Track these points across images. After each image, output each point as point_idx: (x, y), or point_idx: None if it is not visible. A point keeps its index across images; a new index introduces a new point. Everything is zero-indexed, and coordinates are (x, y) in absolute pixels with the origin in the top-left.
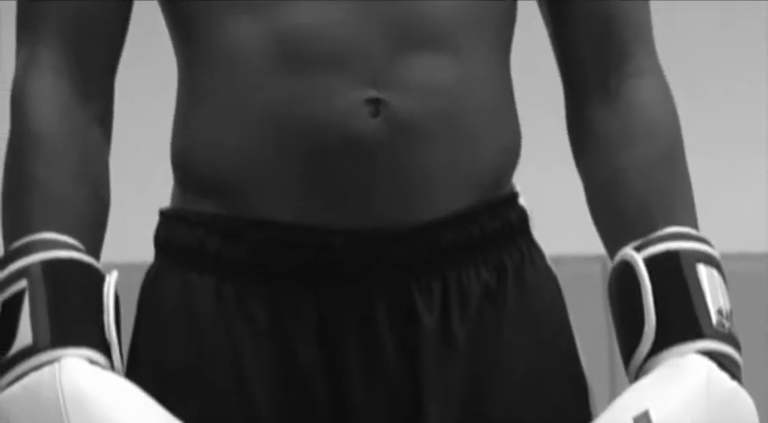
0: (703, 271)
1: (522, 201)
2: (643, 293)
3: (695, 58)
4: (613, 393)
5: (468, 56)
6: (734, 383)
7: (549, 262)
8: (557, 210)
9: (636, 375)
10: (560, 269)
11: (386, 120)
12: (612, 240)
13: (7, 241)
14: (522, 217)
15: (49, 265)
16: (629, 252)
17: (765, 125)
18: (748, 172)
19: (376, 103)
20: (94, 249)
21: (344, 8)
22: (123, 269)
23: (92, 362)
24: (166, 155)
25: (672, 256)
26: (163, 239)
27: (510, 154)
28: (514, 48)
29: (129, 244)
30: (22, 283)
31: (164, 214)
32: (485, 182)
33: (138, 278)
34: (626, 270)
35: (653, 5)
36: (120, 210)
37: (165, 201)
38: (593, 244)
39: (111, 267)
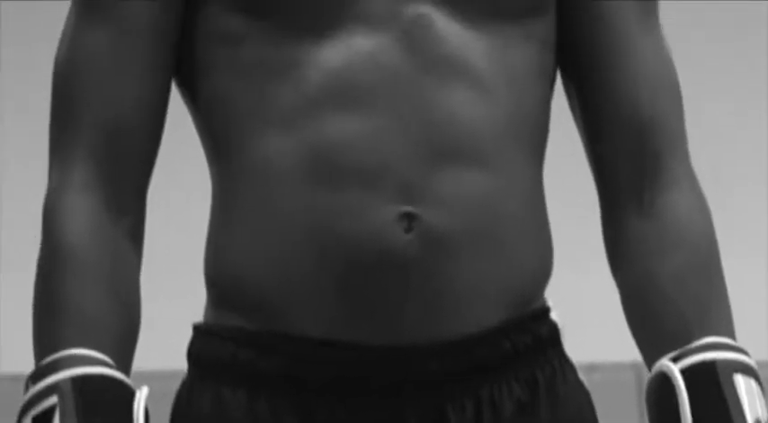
0: (741, 381)
1: (553, 315)
2: (680, 405)
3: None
4: None
5: (502, 169)
6: None
7: (581, 373)
8: (592, 317)
9: None
10: (594, 376)
11: (419, 235)
12: (649, 349)
13: (38, 356)
14: (554, 331)
15: (79, 382)
16: (665, 363)
17: (765, 230)
18: (747, 278)
19: (409, 217)
20: (125, 364)
21: (375, 122)
22: (154, 377)
23: None
24: (200, 267)
25: (709, 366)
26: (196, 354)
27: (542, 269)
28: (552, 156)
29: (160, 353)
30: (53, 399)
31: (197, 329)
32: (517, 297)
33: (170, 386)
34: (663, 381)
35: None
36: (153, 319)
37: (199, 310)
38: (627, 351)
39: (142, 376)
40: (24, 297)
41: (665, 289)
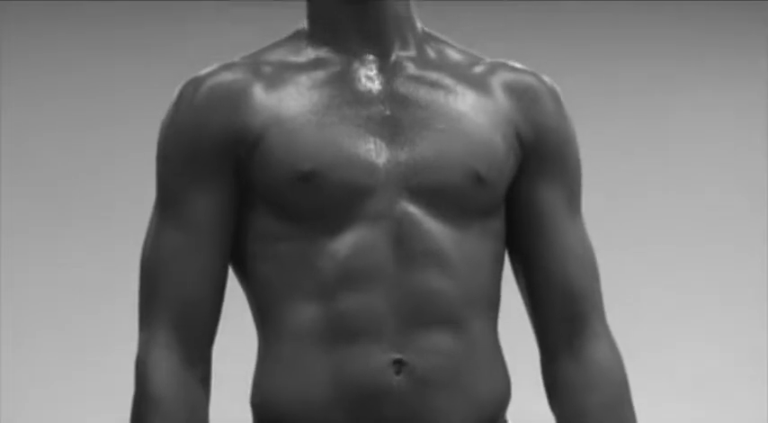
0: None
1: None
2: None
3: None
4: None
5: (466, 328)
6: None
7: None
8: None
9: None
10: None
11: (406, 376)
12: None
13: None
14: None
15: None
16: None
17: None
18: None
19: (399, 363)
20: None
21: (373, 297)
22: None
23: None
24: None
25: None
26: None
27: (502, 397)
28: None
29: None
30: None
31: None
32: (482, 420)
33: None
34: None
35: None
36: None
37: None
38: None
39: None
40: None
41: (589, 419)
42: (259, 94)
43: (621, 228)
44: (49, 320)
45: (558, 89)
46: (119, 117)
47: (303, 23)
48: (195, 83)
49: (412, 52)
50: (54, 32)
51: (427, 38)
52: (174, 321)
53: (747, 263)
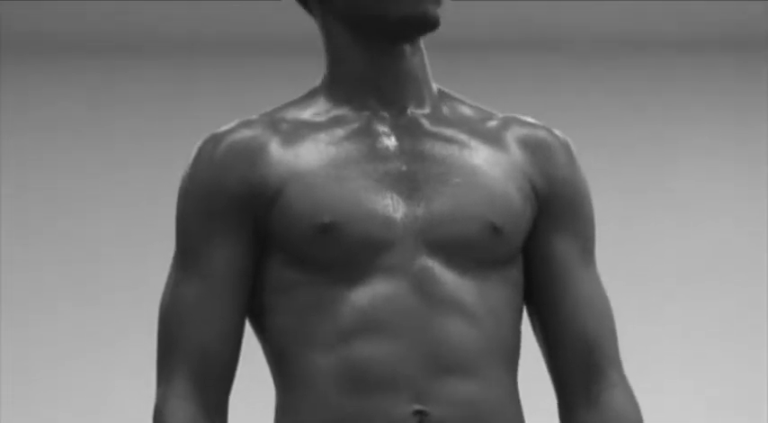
0: None
1: None
2: None
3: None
4: None
5: (486, 377)
6: None
7: None
8: None
9: None
10: None
11: None
12: None
13: None
14: None
15: None
16: None
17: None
18: None
19: (421, 414)
20: None
21: (393, 346)
22: None
23: None
24: None
25: None
26: None
27: None
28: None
29: None
30: None
31: None
32: None
33: None
34: None
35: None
36: None
37: None
38: None
39: None
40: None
41: None
42: (277, 149)
43: (627, 270)
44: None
45: (571, 142)
46: (119, 172)
47: (319, 81)
48: (215, 139)
49: (427, 110)
50: (55, 89)
51: (442, 96)
52: (192, 372)
53: (749, 304)
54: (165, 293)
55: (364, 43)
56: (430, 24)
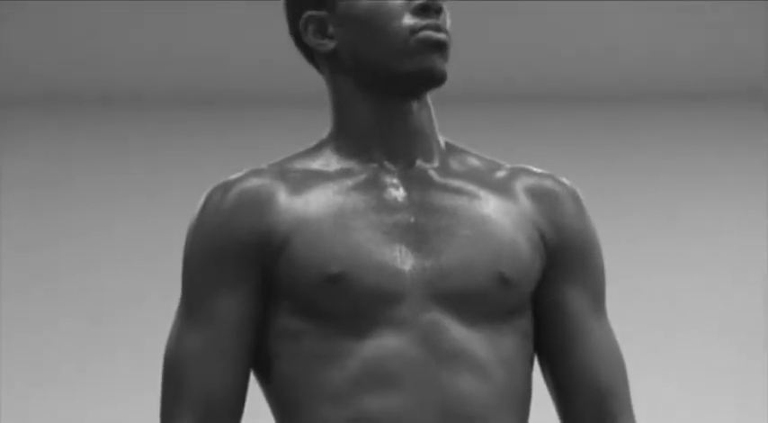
0: None
1: None
2: None
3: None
4: None
5: None
6: None
7: None
8: None
9: None
10: None
11: None
12: None
13: None
14: None
15: None
16: None
17: None
18: None
19: None
20: None
21: (401, 400)
22: None
23: None
24: None
25: None
26: None
27: None
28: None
29: None
30: None
31: None
32: None
33: None
34: None
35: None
36: None
37: None
38: None
39: None
40: None
41: None
42: (286, 198)
43: (637, 318)
44: None
45: (579, 191)
46: (118, 228)
47: (327, 133)
48: (224, 187)
49: (435, 163)
50: (54, 144)
51: (450, 149)
52: (197, 421)
53: (752, 364)
54: (170, 341)
55: (372, 99)
56: (437, 79)
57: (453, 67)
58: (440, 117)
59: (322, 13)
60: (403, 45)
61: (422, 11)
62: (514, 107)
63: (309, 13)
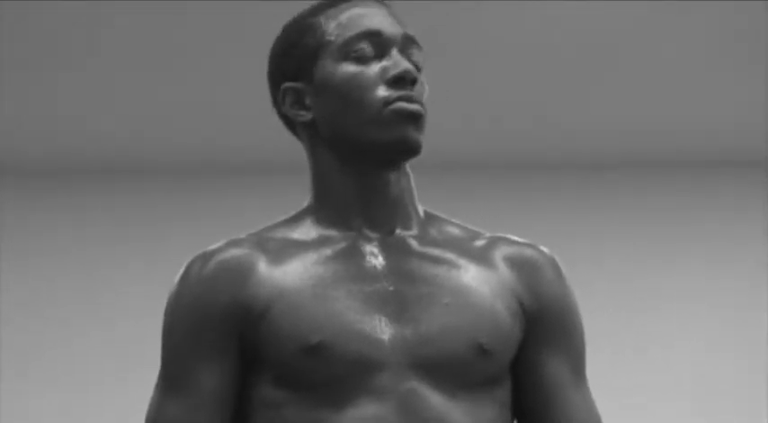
0: None
1: None
2: None
3: None
4: None
5: None
6: None
7: None
8: None
9: None
10: None
11: None
12: None
13: None
14: None
15: None
16: None
17: None
18: None
19: None
20: None
21: None
22: None
23: None
24: None
25: None
26: None
27: None
28: None
29: None
30: None
31: None
32: None
33: None
34: None
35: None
36: None
37: None
38: None
39: None
40: None
41: None
42: (265, 269)
43: (618, 388)
44: None
45: (558, 260)
46: (105, 294)
47: (307, 202)
48: (203, 258)
49: (414, 231)
50: (55, 213)
51: (429, 218)
52: None
53: None
54: (149, 411)
55: (350, 169)
56: (411, 150)
57: (436, 134)
58: (422, 184)
59: (299, 85)
60: (377, 116)
61: (396, 82)
62: (498, 176)
63: (287, 84)
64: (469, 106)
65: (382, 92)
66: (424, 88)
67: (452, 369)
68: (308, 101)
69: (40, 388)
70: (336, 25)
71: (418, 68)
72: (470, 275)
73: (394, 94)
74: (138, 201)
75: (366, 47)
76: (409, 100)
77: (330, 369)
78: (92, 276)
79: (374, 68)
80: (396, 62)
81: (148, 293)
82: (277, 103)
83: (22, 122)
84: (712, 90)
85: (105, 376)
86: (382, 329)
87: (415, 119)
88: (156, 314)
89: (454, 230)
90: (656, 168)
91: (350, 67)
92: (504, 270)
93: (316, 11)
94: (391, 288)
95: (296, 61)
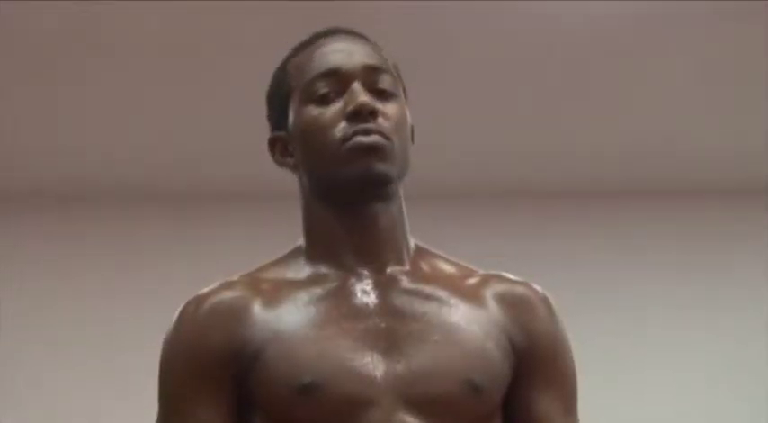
0: None
1: None
2: None
3: None
4: None
5: None
6: None
7: None
8: None
9: None
10: None
11: None
12: None
13: None
14: None
15: None
16: None
17: None
18: None
19: None
20: None
21: None
22: None
23: None
24: None
25: None
26: None
27: None
28: None
29: None
30: None
31: None
32: None
33: None
34: None
35: None
36: None
37: None
38: None
39: None
40: None
41: None
42: (258, 310)
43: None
44: None
45: (551, 297)
46: (119, 332)
47: (300, 241)
48: (197, 301)
49: (406, 267)
50: (52, 248)
51: (421, 253)
52: None
53: None
54: None
55: (334, 208)
56: (375, 182)
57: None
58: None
59: (282, 134)
60: (337, 154)
61: (354, 117)
62: (484, 204)
63: (275, 134)
64: (456, 135)
65: (340, 130)
66: (396, 113)
67: (443, 405)
68: (290, 147)
69: (35, 418)
70: (299, 70)
71: (388, 95)
72: (461, 313)
73: (350, 129)
74: (132, 228)
75: (324, 87)
76: (366, 133)
77: (323, 408)
78: (85, 303)
79: (336, 106)
80: (352, 97)
81: (143, 323)
82: (271, 151)
83: (15, 150)
84: (711, 117)
85: (101, 402)
86: (375, 366)
87: (375, 150)
88: (153, 342)
89: (447, 267)
90: (647, 196)
91: (313, 111)
92: (494, 308)
93: (289, 56)
94: (383, 325)
95: (276, 111)
